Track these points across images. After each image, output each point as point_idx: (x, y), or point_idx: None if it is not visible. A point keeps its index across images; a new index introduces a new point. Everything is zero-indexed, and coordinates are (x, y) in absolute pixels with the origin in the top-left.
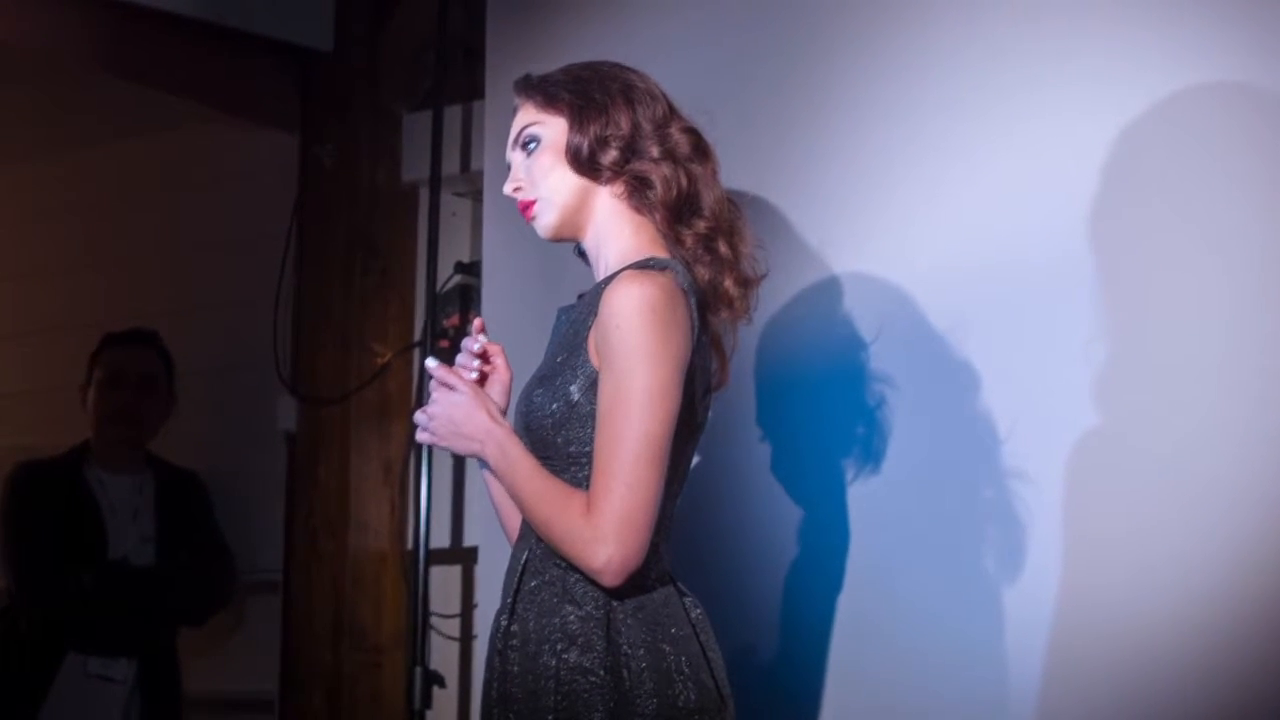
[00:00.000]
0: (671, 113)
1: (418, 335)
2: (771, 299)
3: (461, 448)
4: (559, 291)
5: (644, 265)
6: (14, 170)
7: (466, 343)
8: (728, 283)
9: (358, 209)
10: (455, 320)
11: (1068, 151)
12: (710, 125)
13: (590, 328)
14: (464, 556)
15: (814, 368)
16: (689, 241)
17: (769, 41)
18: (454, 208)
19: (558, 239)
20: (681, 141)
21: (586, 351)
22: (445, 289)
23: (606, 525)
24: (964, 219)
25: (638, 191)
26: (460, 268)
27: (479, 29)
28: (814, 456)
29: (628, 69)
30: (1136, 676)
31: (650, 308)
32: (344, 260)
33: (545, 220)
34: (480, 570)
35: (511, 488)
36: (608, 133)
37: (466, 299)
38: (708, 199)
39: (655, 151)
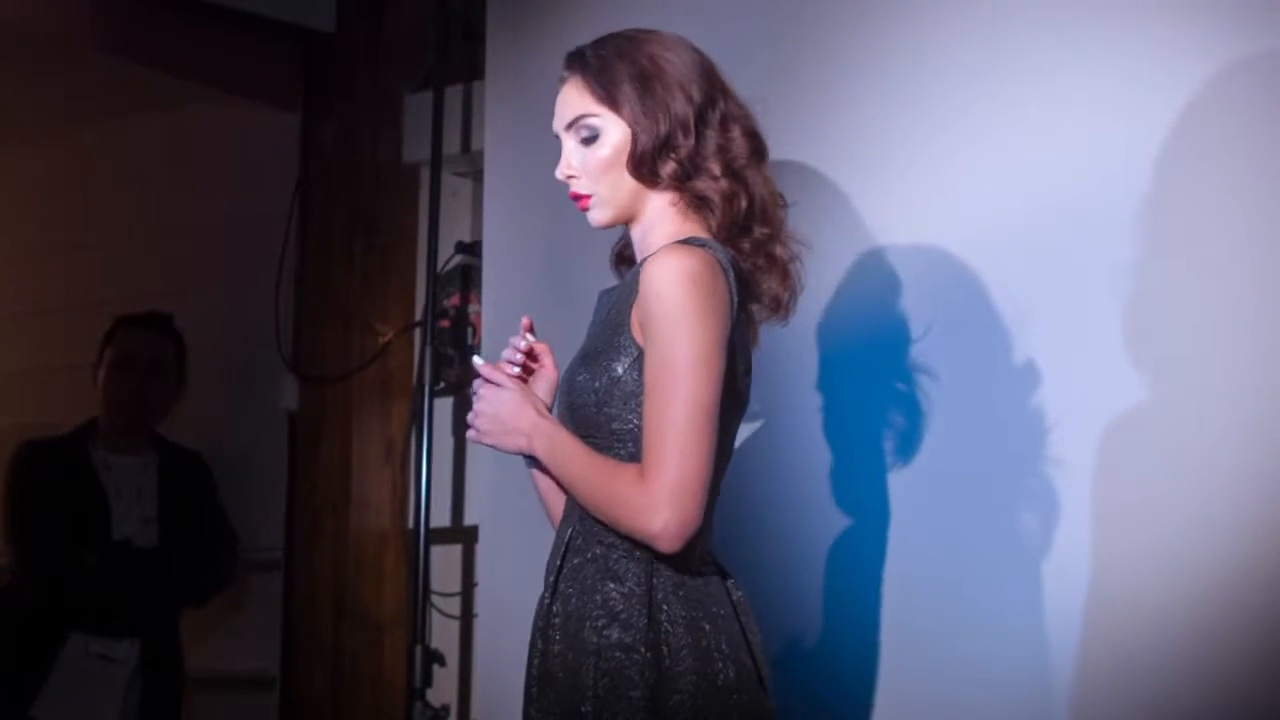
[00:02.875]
0: (728, 99)
1: (419, 315)
2: (817, 282)
3: (510, 444)
4: (559, 271)
5: (683, 242)
6: (15, 150)
7: (514, 340)
8: (779, 287)
9: (359, 189)
10: (456, 300)
11: (1109, 138)
12: (763, 113)
13: (633, 306)
14: (465, 535)
15: (856, 351)
16: (747, 249)
17: (786, 13)
18: (455, 188)
19: (608, 228)
20: (741, 148)
21: (630, 329)
22: (446, 269)
23: (661, 491)
24: (1002, 198)
25: (696, 204)
26: (461, 247)
27: (480, 9)
28: (858, 438)
29: (688, 49)
30: (1174, 666)
31: (690, 278)
32: (345, 240)
33: (600, 217)
34: (481, 549)
35: (564, 475)
36: (671, 143)
37: (467, 279)
38: (765, 205)
39: (716, 169)
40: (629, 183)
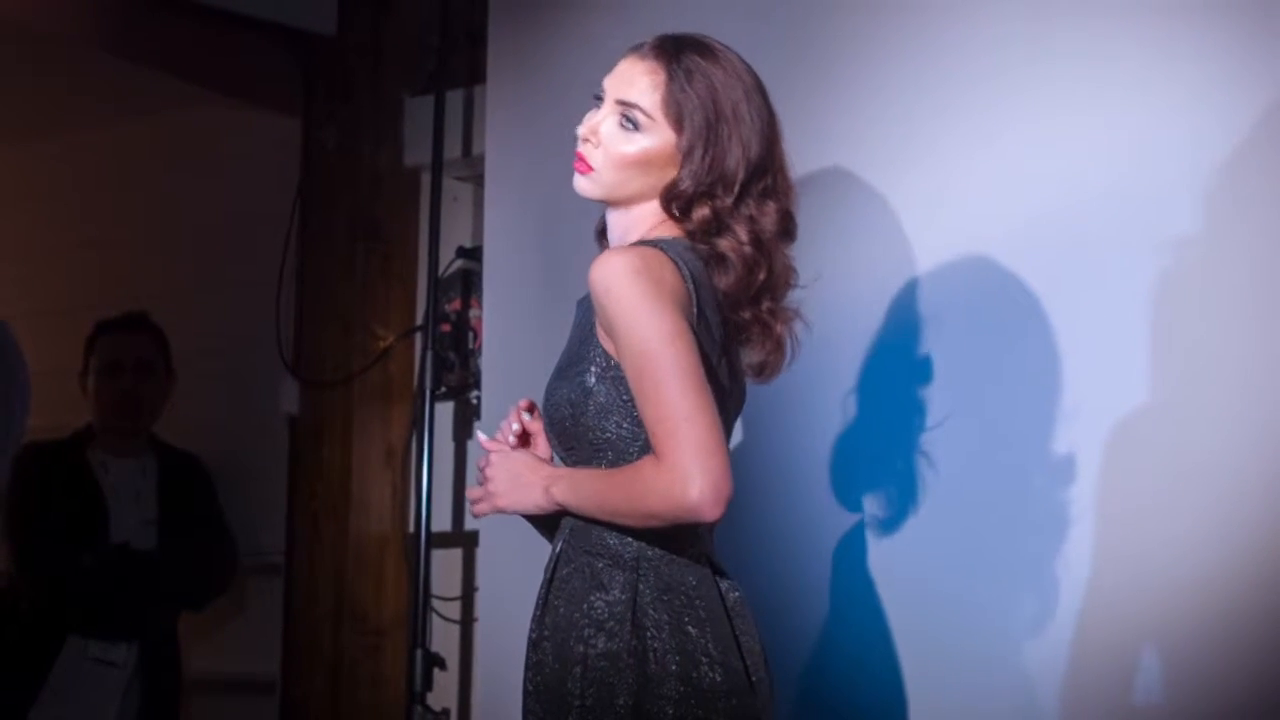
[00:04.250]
0: (779, 171)
1: (419, 319)
2: (823, 282)
3: (528, 500)
4: (560, 276)
5: (635, 243)
6: (15, 151)
7: (510, 417)
8: (771, 358)
9: (360, 193)
10: (457, 304)
11: (1114, 145)
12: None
13: (596, 314)
14: (465, 540)
15: (862, 352)
16: (747, 317)
17: (795, 14)
18: (455, 192)
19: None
20: (771, 224)
21: (597, 338)
22: (447, 273)
23: (683, 462)
24: (1007, 201)
25: (714, 262)
26: (462, 252)
27: (481, 13)
28: (862, 439)
29: (765, 107)
30: (1178, 673)
31: (633, 270)
32: (346, 244)
33: (589, 190)
34: (481, 553)
35: (590, 505)
36: (713, 192)
37: (468, 283)
38: (778, 282)
39: (744, 235)
40: (637, 186)
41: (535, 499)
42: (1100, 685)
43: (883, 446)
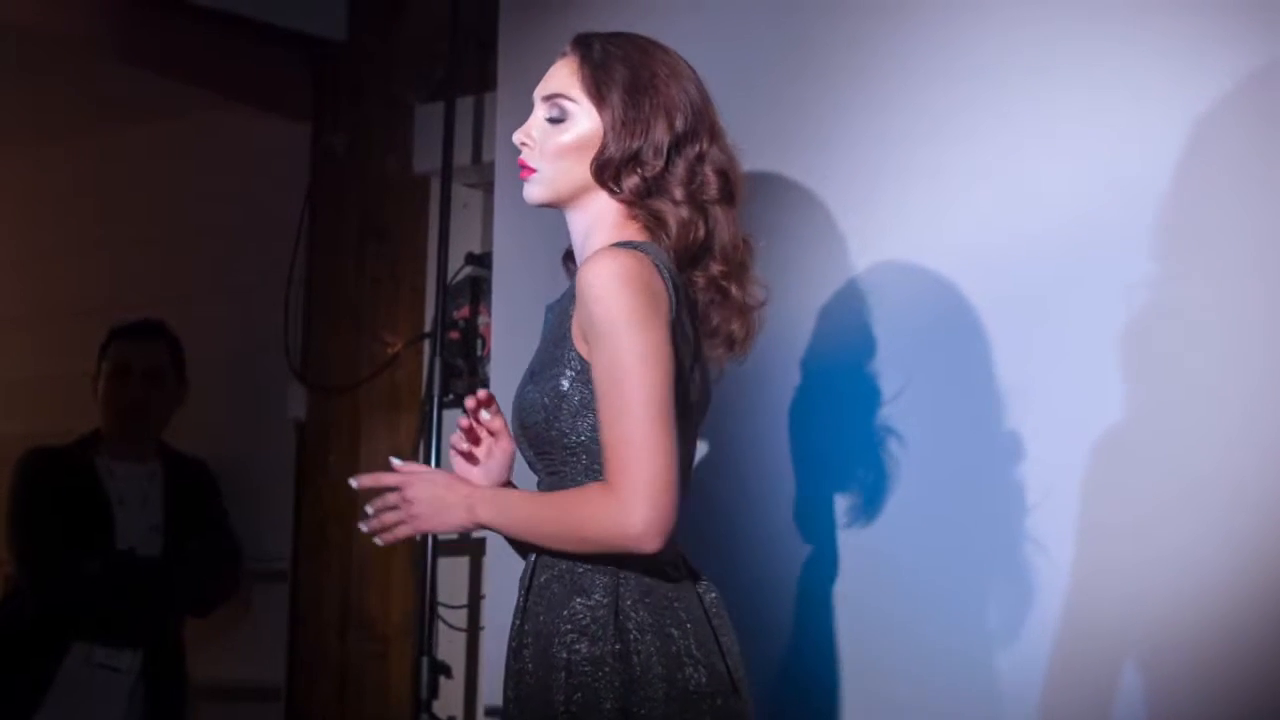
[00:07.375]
0: (713, 141)
1: (428, 325)
2: (797, 285)
3: (451, 520)
4: (568, 284)
5: (617, 245)
6: (27, 155)
7: (461, 425)
8: (734, 325)
9: (369, 198)
10: (465, 312)
11: (1104, 155)
12: (745, 158)
13: (573, 316)
14: (472, 547)
15: (832, 361)
16: (701, 283)
17: (791, 31)
18: (465, 199)
19: (539, 207)
20: (711, 183)
21: (571, 341)
22: (456, 280)
23: (634, 492)
24: (989, 216)
25: (652, 224)
26: (471, 259)
27: (492, 20)
28: (847, 442)
29: (692, 83)
30: (1173, 689)
31: (624, 279)
32: (355, 249)
33: (535, 194)
34: (488, 561)
35: (521, 528)
36: (640, 158)
37: (477, 290)
38: (723, 241)
39: (678, 194)
40: (578, 175)
41: (459, 519)
42: (1084, 699)
43: (863, 451)
